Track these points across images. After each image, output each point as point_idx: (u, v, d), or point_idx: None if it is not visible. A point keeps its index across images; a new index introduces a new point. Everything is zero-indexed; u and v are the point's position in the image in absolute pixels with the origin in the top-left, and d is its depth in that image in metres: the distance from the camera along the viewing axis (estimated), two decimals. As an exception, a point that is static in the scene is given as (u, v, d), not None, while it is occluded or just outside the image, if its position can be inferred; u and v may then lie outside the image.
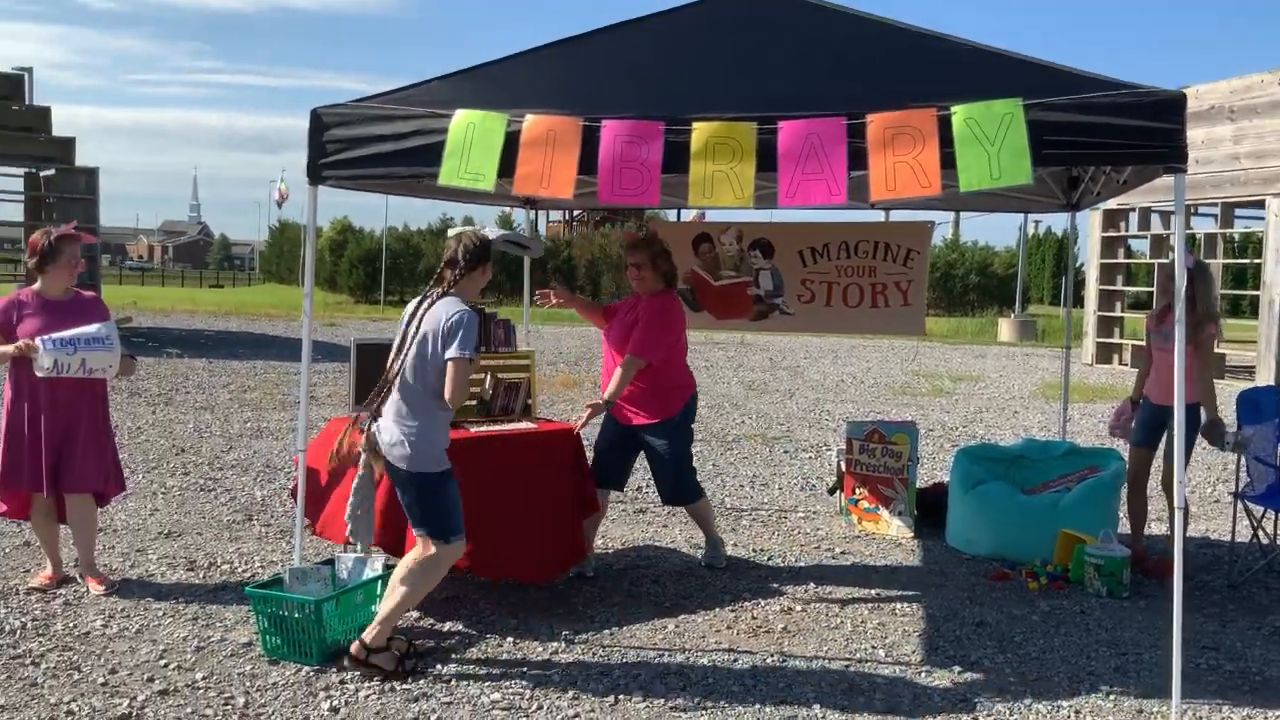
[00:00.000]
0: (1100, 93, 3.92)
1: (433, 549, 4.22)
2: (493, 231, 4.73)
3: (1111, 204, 19.09)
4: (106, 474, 5.23)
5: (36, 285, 5.09)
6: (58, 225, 5.25)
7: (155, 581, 5.38)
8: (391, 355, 4.27)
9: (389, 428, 4.18)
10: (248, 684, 4.14)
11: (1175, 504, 4.10)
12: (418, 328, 4.17)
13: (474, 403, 5.63)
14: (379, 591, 4.63)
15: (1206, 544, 6.78)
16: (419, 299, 4.32)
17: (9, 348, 4.91)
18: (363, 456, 4.32)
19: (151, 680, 4.13)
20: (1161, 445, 6.06)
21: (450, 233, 4.59)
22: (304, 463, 4.90)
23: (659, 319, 5.53)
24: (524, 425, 5.44)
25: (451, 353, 4.08)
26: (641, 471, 6.18)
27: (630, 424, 5.61)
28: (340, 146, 4.55)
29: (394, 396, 4.20)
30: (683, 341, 5.70)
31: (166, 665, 4.29)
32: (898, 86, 4.12)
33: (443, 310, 4.17)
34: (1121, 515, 6.36)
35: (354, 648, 4.23)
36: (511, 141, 4.19)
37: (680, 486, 5.75)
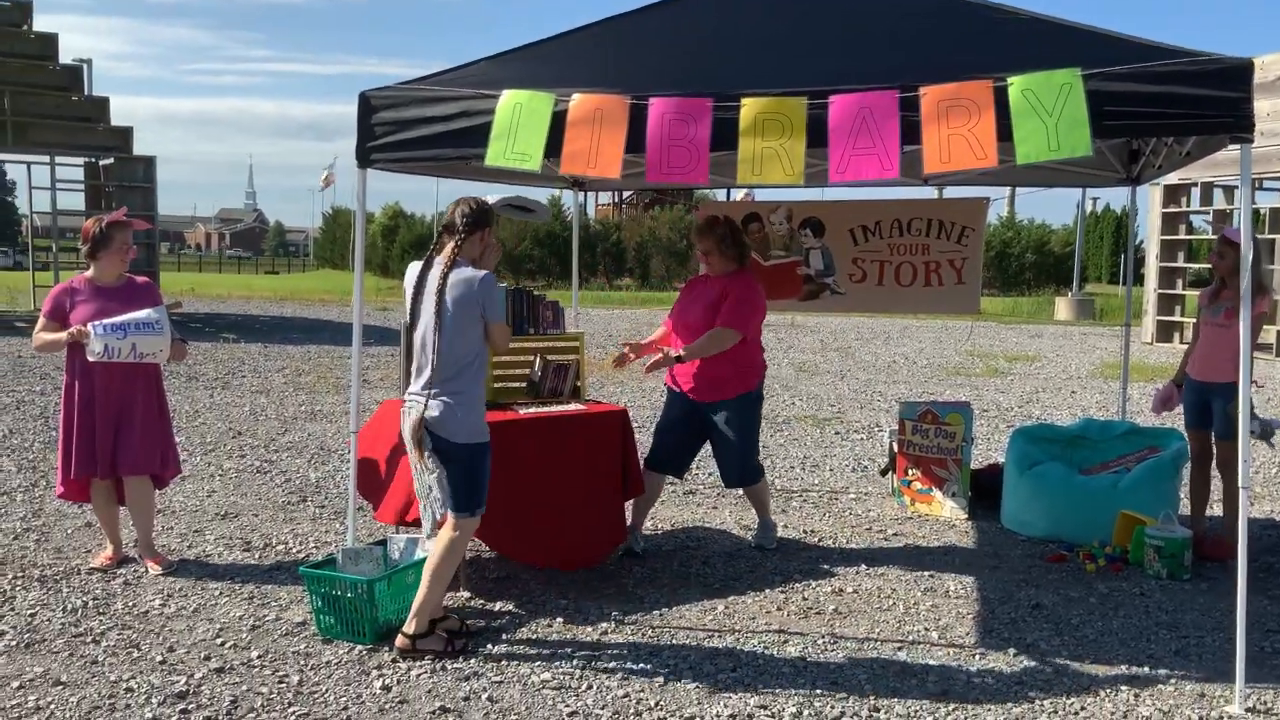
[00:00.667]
0: (1162, 61, 3.80)
1: (455, 529, 4.22)
2: (493, 196, 4.66)
3: (1172, 179, 18.65)
4: (164, 456, 5.31)
5: (89, 272, 5.16)
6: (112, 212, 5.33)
7: (212, 562, 5.47)
8: (416, 330, 4.21)
9: (435, 404, 4.15)
10: (302, 662, 4.19)
11: (1239, 484, 3.99)
12: (438, 300, 4.13)
13: (523, 384, 5.64)
14: (430, 571, 4.66)
15: (1271, 525, 6.62)
16: (422, 266, 4.26)
17: (61, 334, 4.99)
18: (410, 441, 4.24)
19: (208, 658, 4.19)
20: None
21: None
22: (355, 444, 4.95)
23: (750, 293, 5.47)
24: (573, 407, 5.43)
25: (495, 318, 4.21)
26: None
27: (703, 400, 5.53)
28: (388, 129, 4.55)
29: (434, 372, 4.13)
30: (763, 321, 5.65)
31: (223, 644, 4.35)
32: (952, 57, 4.03)
33: (464, 280, 4.15)
34: (1182, 496, 6.22)
35: (399, 641, 4.25)
36: (558, 121, 4.16)
37: (746, 468, 5.68)
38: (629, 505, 5.64)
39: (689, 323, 5.55)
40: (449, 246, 4.23)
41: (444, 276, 4.16)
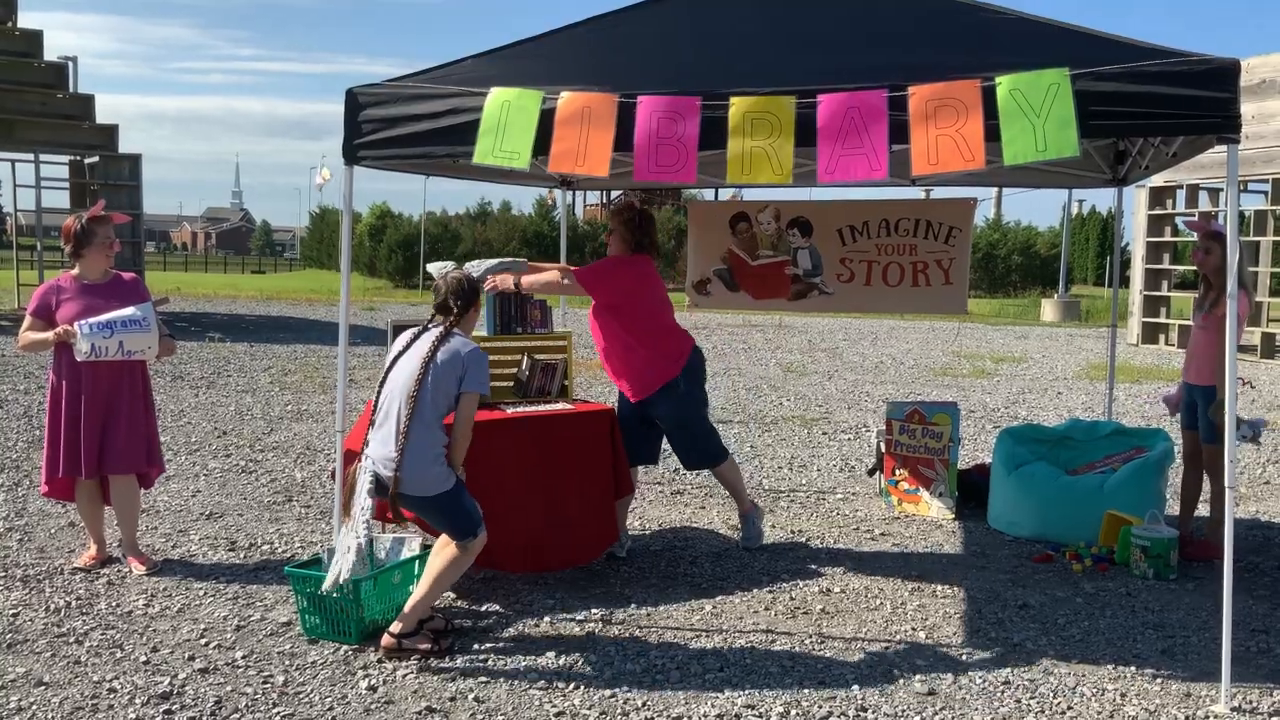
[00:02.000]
0: (1150, 61, 3.81)
1: (460, 549, 4.26)
2: (475, 268, 4.78)
3: (1158, 180, 18.74)
4: (149, 455, 5.28)
5: (75, 270, 5.12)
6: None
7: (196, 562, 5.43)
8: (387, 386, 4.27)
9: (408, 464, 4.14)
10: (287, 663, 4.16)
11: (1225, 484, 4.00)
12: (424, 363, 4.18)
13: (510, 384, 5.63)
14: (416, 571, 4.64)
15: (1256, 525, 6.65)
16: (413, 333, 4.37)
17: (48, 334, 4.95)
18: (367, 499, 4.21)
19: (192, 659, 4.17)
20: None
21: (432, 269, 4.61)
22: (341, 445, 4.92)
23: (613, 262, 5.48)
24: (560, 406, 5.42)
25: (473, 387, 4.22)
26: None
27: (635, 399, 5.56)
28: (376, 127, 4.53)
29: (406, 431, 4.15)
30: (658, 301, 5.54)
31: (207, 644, 4.32)
32: (940, 57, 4.02)
33: (459, 346, 4.24)
34: (1169, 496, 6.24)
35: (385, 640, 4.22)
36: (547, 119, 4.15)
37: (698, 450, 5.67)
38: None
39: (593, 317, 5.56)
40: (445, 324, 4.33)
41: (436, 344, 4.23)
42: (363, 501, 4.21)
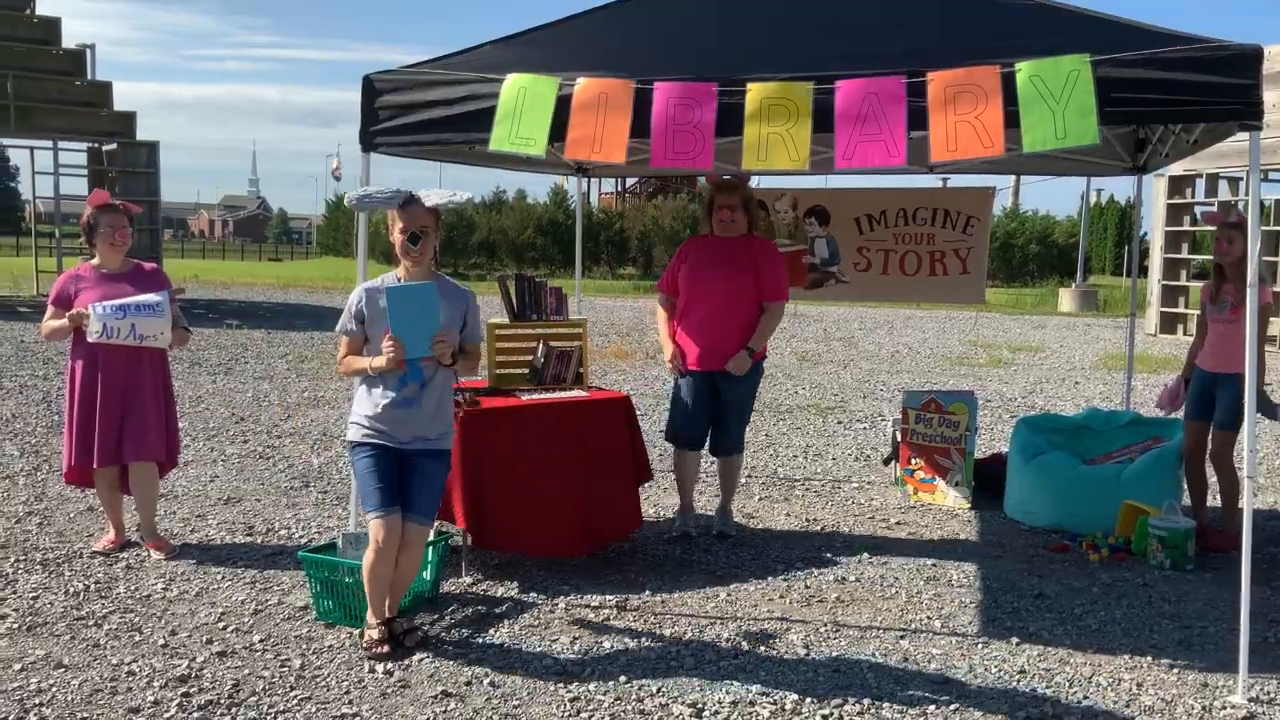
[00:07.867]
0: (1171, 48, 3.78)
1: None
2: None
3: (1177, 169, 18.59)
4: (169, 445, 5.31)
5: (94, 260, 5.17)
6: (120, 199, 5.33)
7: (215, 546, 5.47)
8: None
9: None
10: (304, 647, 4.18)
11: (1245, 473, 3.97)
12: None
13: (525, 370, 5.64)
14: (429, 558, 4.66)
15: (1274, 516, 6.61)
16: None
17: (63, 319, 4.98)
18: None
19: (210, 642, 4.19)
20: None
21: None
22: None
23: (780, 256, 5.65)
24: (575, 393, 5.42)
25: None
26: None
27: (718, 369, 5.57)
28: (392, 113, 4.53)
29: None
30: None
31: (225, 628, 4.35)
32: (959, 43, 4.00)
33: None
34: (1184, 487, 6.20)
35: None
36: (563, 105, 4.14)
37: (740, 433, 5.81)
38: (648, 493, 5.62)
39: (713, 285, 5.54)
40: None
41: None
42: None
